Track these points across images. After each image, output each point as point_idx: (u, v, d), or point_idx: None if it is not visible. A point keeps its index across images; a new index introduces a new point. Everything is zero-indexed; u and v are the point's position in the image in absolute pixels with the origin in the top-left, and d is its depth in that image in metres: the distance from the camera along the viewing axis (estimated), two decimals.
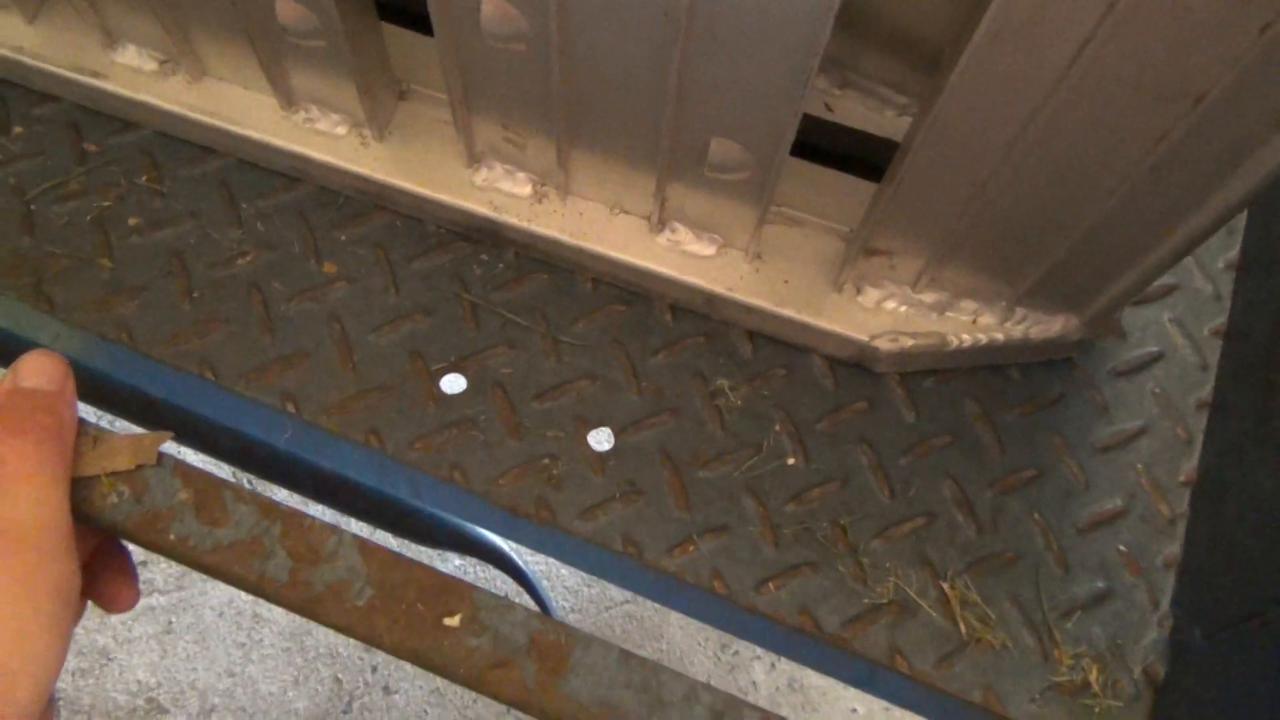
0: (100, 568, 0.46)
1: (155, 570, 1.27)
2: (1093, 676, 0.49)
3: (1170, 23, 0.33)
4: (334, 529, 0.44)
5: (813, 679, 1.30)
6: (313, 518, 0.45)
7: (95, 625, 1.25)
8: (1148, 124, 0.38)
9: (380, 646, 0.44)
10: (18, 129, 0.59)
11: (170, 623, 1.25)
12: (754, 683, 1.29)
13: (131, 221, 0.57)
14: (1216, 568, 0.49)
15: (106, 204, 0.57)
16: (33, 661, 0.36)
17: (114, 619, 1.24)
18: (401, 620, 0.43)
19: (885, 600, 0.50)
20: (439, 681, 1.26)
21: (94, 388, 0.58)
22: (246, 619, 1.27)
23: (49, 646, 0.36)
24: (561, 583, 1.32)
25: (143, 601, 1.25)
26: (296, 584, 0.44)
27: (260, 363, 0.53)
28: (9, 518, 0.36)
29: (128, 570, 0.47)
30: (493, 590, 0.44)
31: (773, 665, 1.31)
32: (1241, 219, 0.61)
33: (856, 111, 0.57)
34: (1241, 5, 0.33)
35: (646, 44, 0.42)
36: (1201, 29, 0.33)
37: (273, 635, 1.27)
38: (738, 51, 0.40)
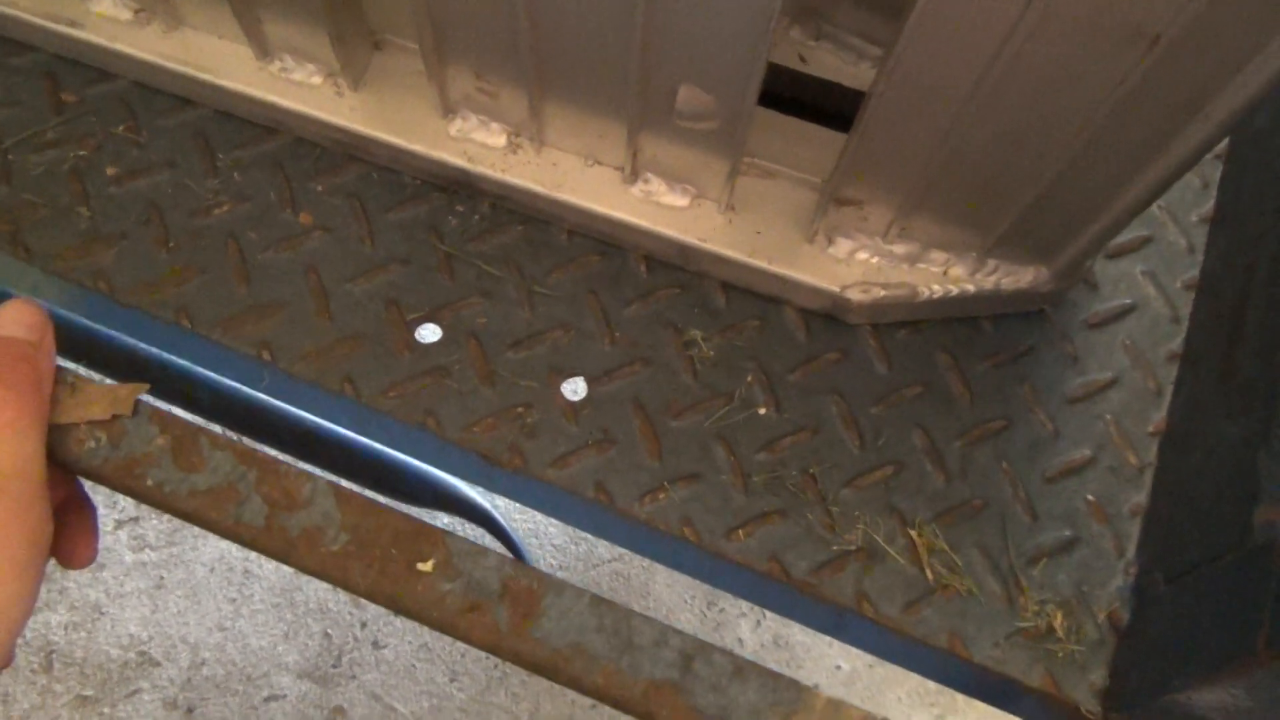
0: (63, 522, 0.46)
1: (147, 526, 1.27)
2: (1057, 622, 0.50)
3: None
4: (309, 475, 0.45)
5: (798, 636, 1.31)
6: (288, 464, 0.45)
7: (87, 580, 1.26)
8: (1106, 67, 0.38)
9: (354, 591, 0.44)
10: None
11: (162, 578, 1.26)
12: (739, 639, 1.31)
13: (109, 171, 0.57)
14: (1180, 516, 0.50)
15: (84, 153, 0.57)
16: (6, 608, 0.36)
17: (106, 574, 1.25)
18: (375, 565, 0.44)
19: (853, 547, 0.51)
20: (428, 636, 1.27)
21: (72, 343, 0.58)
22: (237, 575, 1.28)
23: (21, 593, 0.37)
24: (549, 540, 1.33)
25: (134, 556, 1.26)
26: (272, 529, 0.44)
27: (237, 311, 0.54)
28: None
29: (90, 527, 0.47)
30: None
31: (758, 622, 1.32)
32: (1216, 173, 0.61)
33: (830, 63, 0.56)
34: None
35: None
36: None
37: (263, 591, 1.28)
38: None
